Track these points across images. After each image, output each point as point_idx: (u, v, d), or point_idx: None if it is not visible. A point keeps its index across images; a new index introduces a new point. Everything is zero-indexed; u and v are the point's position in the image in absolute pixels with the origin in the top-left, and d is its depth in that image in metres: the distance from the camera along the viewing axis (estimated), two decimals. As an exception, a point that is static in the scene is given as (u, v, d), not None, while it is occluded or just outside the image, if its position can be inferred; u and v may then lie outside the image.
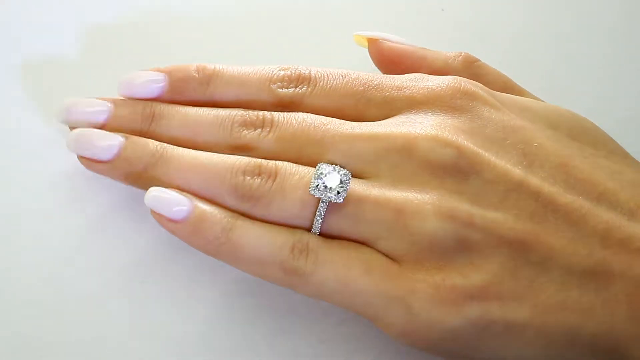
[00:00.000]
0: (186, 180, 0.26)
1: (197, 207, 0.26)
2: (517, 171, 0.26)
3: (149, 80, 0.28)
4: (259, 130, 0.27)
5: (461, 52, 0.30)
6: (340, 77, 0.28)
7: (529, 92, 0.30)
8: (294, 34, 0.34)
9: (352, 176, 0.26)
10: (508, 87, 0.30)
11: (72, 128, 0.28)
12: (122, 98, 0.29)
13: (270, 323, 0.28)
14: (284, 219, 0.26)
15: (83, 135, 0.27)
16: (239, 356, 0.27)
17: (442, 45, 0.31)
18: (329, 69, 0.29)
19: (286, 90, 0.28)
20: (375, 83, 0.28)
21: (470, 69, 0.30)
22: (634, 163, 0.28)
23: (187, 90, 0.28)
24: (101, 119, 0.28)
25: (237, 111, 0.28)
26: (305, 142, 0.27)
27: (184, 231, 0.26)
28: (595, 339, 0.24)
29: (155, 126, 0.28)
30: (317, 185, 0.25)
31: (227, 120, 0.27)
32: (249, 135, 0.27)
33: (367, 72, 0.29)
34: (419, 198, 0.25)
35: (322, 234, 0.26)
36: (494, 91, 0.28)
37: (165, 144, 0.27)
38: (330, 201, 0.25)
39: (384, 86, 0.28)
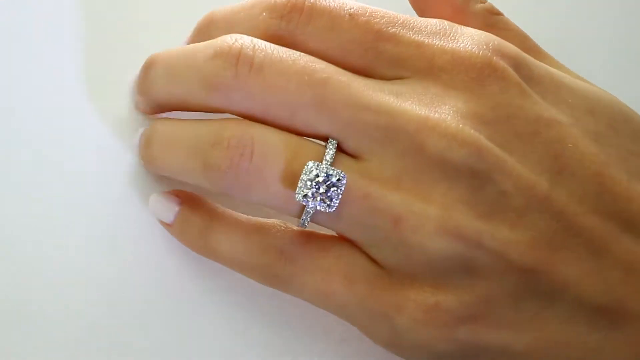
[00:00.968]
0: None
1: (182, 209, 0.25)
2: (543, 183, 0.22)
3: None
4: (234, 70, 0.22)
5: (486, 0, 0.26)
6: (348, 16, 0.23)
7: (553, 57, 0.26)
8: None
9: (349, 154, 0.23)
10: (530, 50, 0.26)
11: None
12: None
13: (267, 340, 0.27)
14: (267, 207, 0.24)
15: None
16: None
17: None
18: (338, 2, 0.23)
19: (278, 21, 0.23)
20: (390, 32, 0.23)
21: (489, 19, 0.26)
22: None
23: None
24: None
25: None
26: (298, 97, 0.22)
27: (175, 233, 0.26)
28: None
29: None
30: (306, 194, 0.22)
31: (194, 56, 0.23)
32: (225, 80, 0.22)
33: (382, 11, 0.23)
34: (422, 209, 0.22)
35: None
36: (529, 61, 0.24)
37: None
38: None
39: (400, 39, 0.23)
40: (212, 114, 0.24)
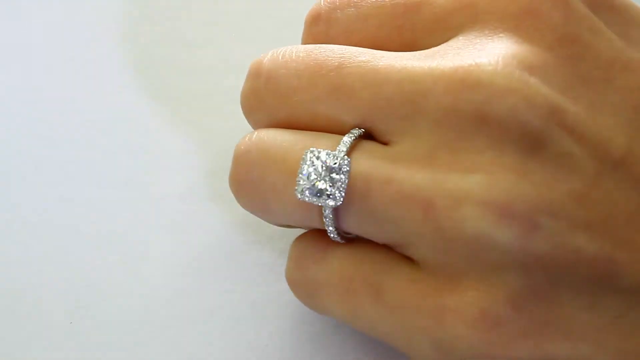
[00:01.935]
0: None
1: None
2: (619, 141, 0.17)
3: None
4: (261, 93, 0.20)
5: None
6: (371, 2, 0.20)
7: None
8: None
9: (381, 141, 0.19)
10: None
11: None
12: None
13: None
14: (296, 225, 0.20)
15: None
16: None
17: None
18: None
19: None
20: (417, 0, 0.20)
21: None
22: None
23: None
24: None
25: None
26: (313, 91, 0.19)
27: None
28: None
29: None
30: (302, 190, 0.18)
31: None
32: (247, 101, 0.21)
33: None
34: (457, 186, 0.17)
35: (344, 236, 0.20)
36: None
37: None
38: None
39: (431, 0, 0.19)
40: None
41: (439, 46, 0.19)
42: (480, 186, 0.17)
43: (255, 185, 0.20)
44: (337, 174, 0.18)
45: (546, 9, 0.18)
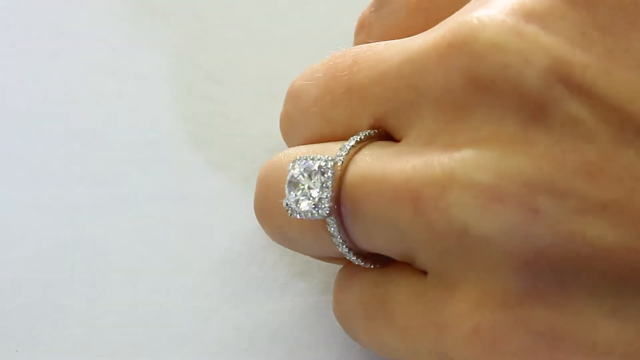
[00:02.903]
0: None
1: None
2: None
3: None
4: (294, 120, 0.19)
5: None
6: None
7: None
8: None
9: (395, 138, 0.17)
10: None
11: None
12: None
13: None
14: (313, 251, 0.19)
15: None
16: None
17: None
18: None
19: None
20: None
21: None
22: None
23: None
24: None
25: None
26: (325, 95, 0.18)
27: None
28: None
29: None
30: (288, 202, 0.17)
31: None
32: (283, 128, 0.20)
33: None
34: (444, 166, 0.14)
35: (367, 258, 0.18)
36: None
37: None
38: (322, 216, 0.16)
39: None
40: None
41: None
42: (466, 165, 0.14)
43: (270, 212, 0.18)
44: (322, 181, 0.16)
45: None
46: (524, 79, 0.14)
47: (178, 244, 0.23)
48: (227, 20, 0.27)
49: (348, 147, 0.16)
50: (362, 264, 0.17)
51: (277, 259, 0.23)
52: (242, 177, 0.24)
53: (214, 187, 0.24)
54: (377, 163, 0.16)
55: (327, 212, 0.16)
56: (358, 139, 0.16)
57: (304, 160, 0.16)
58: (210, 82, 0.26)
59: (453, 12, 0.16)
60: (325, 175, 0.16)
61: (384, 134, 0.17)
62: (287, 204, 0.17)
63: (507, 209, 0.14)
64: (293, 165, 0.17)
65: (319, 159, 0.16)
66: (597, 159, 0.13)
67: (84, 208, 0.24)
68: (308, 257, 0.22)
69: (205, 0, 0.28)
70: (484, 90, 0.14)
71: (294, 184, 0.16)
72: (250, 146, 0.25)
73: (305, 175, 0.16)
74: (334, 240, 0.17)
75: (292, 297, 0.22)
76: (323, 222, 0.17)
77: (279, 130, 0.20)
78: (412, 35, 0.17)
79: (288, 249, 0.22)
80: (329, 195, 0.16)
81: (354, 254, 0.17)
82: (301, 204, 0.16)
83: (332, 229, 0.16)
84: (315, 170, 0.16)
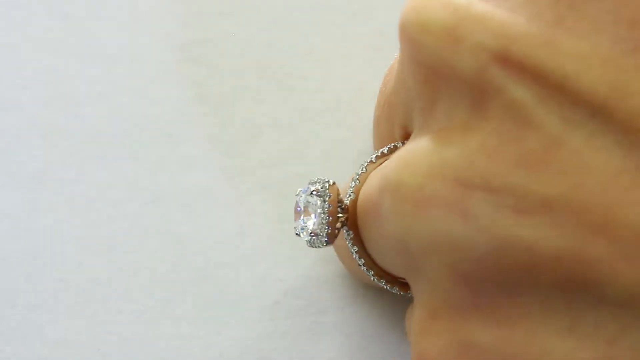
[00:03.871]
0: None
1: None
2: (595, 75, 0.12)
3: None
4: None
5: None
6: None
7: None
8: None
9: None
10: None
11: None
12: None
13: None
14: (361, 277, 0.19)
15: None
16: None
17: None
18: None
19: None
20: None
21: None
22: None
23: None
24: None
25: None
26: (377, 110, 0.18)
27: None
28: None
29: None
30: (296, 229, 0.17)
31: None
32: None
33: None
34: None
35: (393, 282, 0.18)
36: None
37: None
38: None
39: None
40: None
41: None
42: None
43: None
44: (313, 198, 0.16)
45: None
46: (457, 62, 0.12)
47: (148, 252, 0.20)
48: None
49: (366, 163, 0.16)
50: (392, 289, 0.17)
51: (265, 272, 0.19)
52: (225, 176, 0.20)
53: (191, 186, 0.20)
54: (367, 180, 0.16)
55: (326, 240, 0.16)
56: (377, 155, 0.16)
57: (306, 187, 0.16)
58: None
59: None
60: (321, 193, 0.16)
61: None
62: (296, 234, 0.16)
63: (435, 214, 0.12)
64: (299, 193, 0.16)
65: (318, 182, 0.16)
66: (540, 148, 0.12)
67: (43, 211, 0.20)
68: (303, 271, 0.19)
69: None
70: (438, 79, 0.13)
71: (298, 212, 0.16)
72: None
73: (307, 201, 0.16)
74: (357, 262, 0.16)
75: (285, 318, 0.19)
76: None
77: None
78: None
79: (278, 261, 0.19)
80: (324, 218, 0.16)
81: (386, 283, 0.17)
82: (302, 234, 0.16)
83: (349, 243, 0.16)
84: (312, 196, 0.16)
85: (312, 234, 0.16)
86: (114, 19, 0.22)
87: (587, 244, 0.11)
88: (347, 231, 0.16)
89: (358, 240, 0.16)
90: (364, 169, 0.16)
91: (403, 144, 0.16)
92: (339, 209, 0.16)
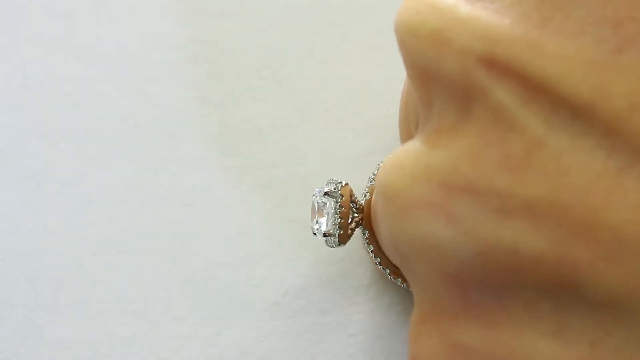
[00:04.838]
0: None
1: None
2: (577, 77, 0.12)
3: None
4: None
5: None
6: None
7: None
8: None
9: None
10: None
11: None
12: None
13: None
14: None
15: None
16: None
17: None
18: None
19: None
20: None
21: None
22: None
23: None
24: None
25: None
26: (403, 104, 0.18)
27: None
28: None
29: None
30: (316, 231, 0.17)
31: None
32: None
33: None
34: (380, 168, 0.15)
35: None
36: None
37: None
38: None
39: None
40: None
41: None
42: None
43: None
44: (331, 202, 0.16)
45: None
46: (444, 65, 0.12)
47: (148, 252, 0.20)
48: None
49: (375, 172, 0.17)
50: (403, 285, 0.17)
51: (265, 272, 0.19)
52: (225, 176, 0.20)
53: (191, 186, 0.20)
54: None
55: (338, 241, 0.16)
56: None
57: (322, 187, 0.16)
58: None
59: None
60: (332, 195, 0.16)
61: None
62: (313, 233, 0.17)
63: (421, 217, 0.12)
64: (315, 193, 0.16)
65: (332, 183, 0.16)
66: (522, 151, 0.12)
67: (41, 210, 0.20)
68: (303, 271, 0.19)
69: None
70: (430, 81, 0.13)
71: (313, 213, 0.16)
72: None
73: (321, 202, 0.16)
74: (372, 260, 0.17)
75: (285, 319, 0.19)
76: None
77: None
78: None
79: (278, 261, 0.19)
80: (337, 219, 0.16)
81: (401, 282, 0.17)
82: (317, 233, 0.16)
83: (364, 242, 0.17)
84: (325, 197, 0.16)
85: (325, 235, 0.16)
86: (114, 19, 0.22)
87: (569, 245, 0.11)
88: (362, 230, 0.16)
89: (374, 239, 0.16)
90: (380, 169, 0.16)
91: None
92: (354, 209, 0.16)
